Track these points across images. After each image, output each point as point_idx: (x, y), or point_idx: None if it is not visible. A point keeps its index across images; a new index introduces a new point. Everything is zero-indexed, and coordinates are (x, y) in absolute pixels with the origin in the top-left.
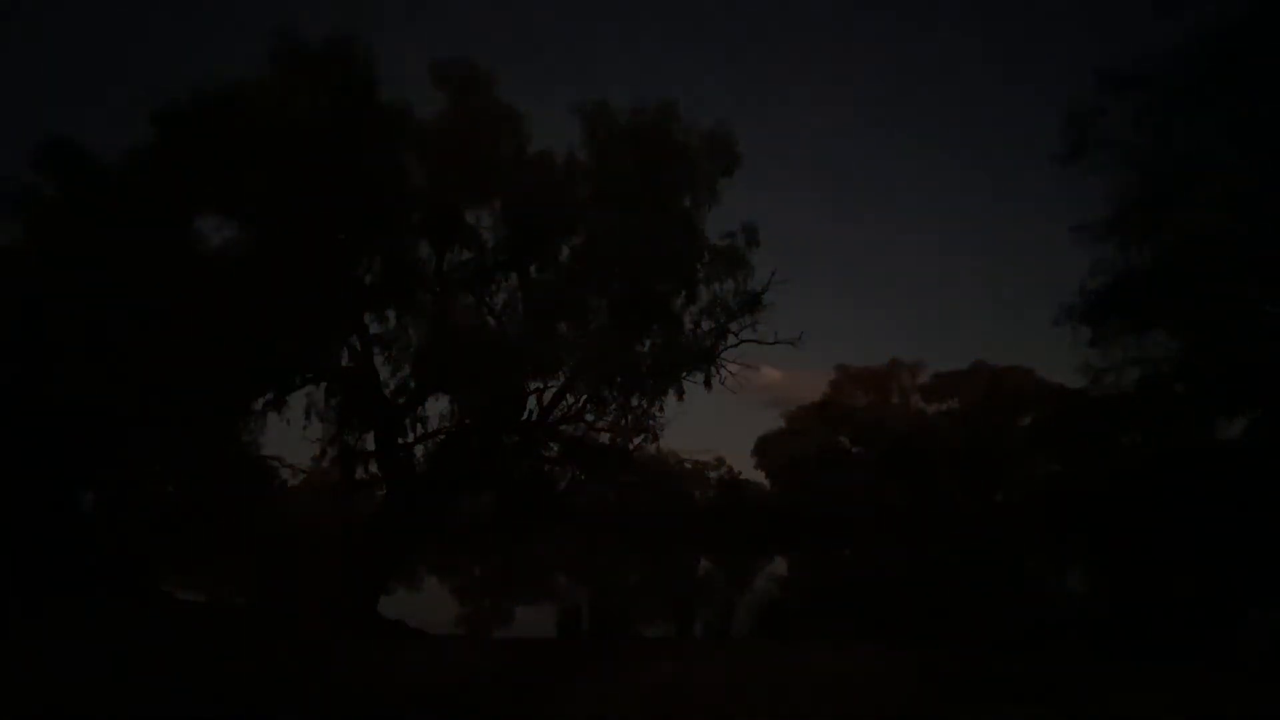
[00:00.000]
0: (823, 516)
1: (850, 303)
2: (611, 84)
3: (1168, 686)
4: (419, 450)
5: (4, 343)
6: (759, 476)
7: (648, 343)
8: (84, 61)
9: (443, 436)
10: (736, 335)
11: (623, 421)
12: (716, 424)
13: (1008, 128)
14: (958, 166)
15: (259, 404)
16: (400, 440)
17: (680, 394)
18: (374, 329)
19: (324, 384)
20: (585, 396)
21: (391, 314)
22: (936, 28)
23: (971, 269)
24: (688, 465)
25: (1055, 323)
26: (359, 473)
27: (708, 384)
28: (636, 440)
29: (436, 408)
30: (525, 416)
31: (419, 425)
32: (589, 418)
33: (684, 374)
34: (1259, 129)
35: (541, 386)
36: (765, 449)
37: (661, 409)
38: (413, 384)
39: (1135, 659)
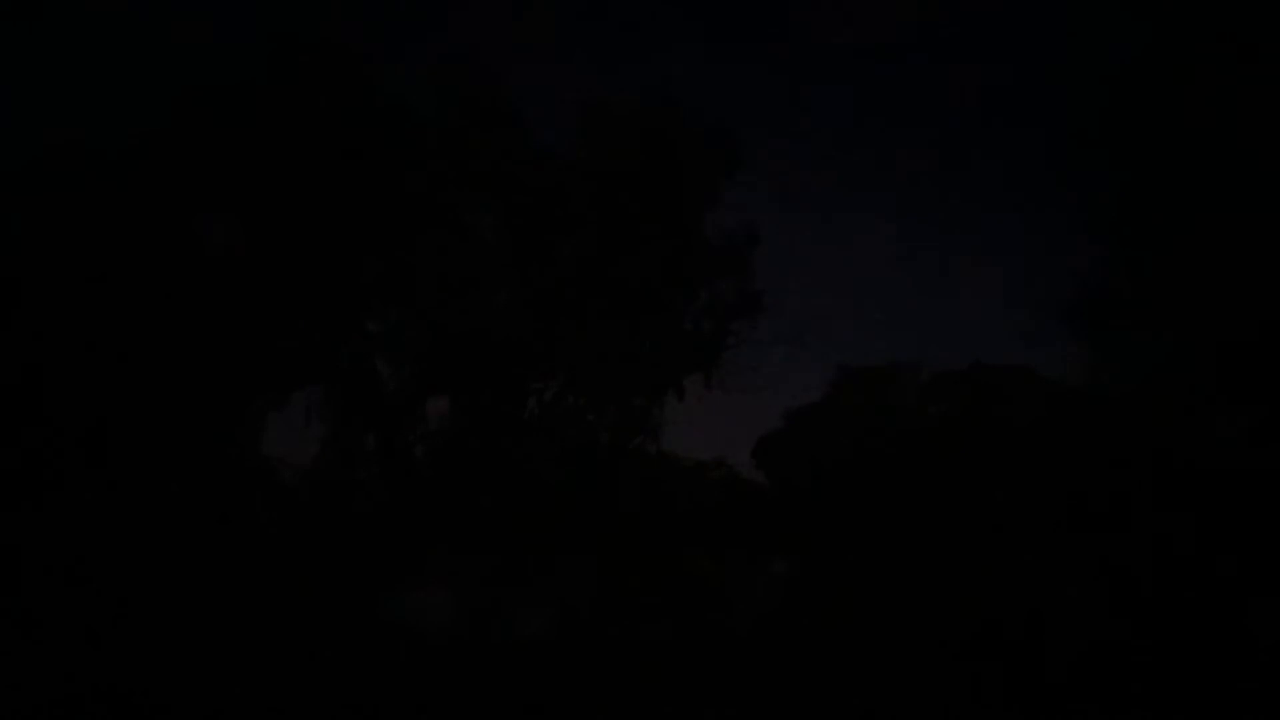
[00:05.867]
0: (823, 517)
1: (850, 303)
2: (612, 84)
3: None
4: (419, 450)
5: (2, 342)
6: (759, 476)
7: (648, 343)
8: (83, 59)
9: (443, 437)
10: (736, 335)
11: (623, 422)
12: (716, 424)
13: (1008, 125)
14: (957, 165)
15: (259, 404)
16: (400, 440)
17: (680, 394)
18: (374, 329)
19: (324, 384)
20: (585, 396)
21: (392, 314)
22: (936, 26)
23: (971, 269)
24: (688, 465)
25: (1055, 323)
26: (359, 473)
27: (708, 384)
28: (636, 440)
29: (436, 408)
30: (525, 416)
31: (419, 425)
32: (589, 418)
33: (684, 374)
34: (1258, 125)
35: (541, 386)
36: (765, 449)
37: (661, 409)
38: (413, 384)
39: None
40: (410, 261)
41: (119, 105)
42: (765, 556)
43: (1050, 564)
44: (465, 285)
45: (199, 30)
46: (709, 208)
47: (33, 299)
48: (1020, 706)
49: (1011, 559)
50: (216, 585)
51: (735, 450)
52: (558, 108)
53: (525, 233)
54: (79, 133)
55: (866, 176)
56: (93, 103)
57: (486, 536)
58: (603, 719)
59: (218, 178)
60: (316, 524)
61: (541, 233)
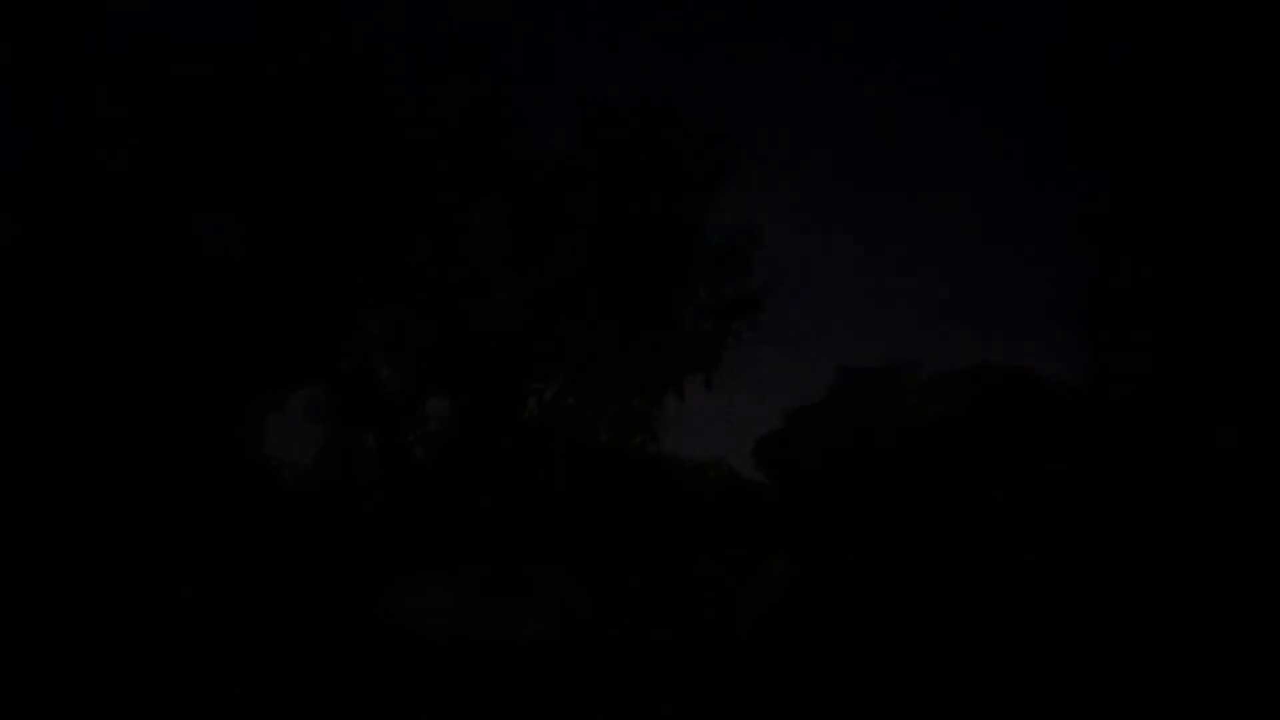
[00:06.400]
0: (823, 517)
1: (850, 303)
2: (612, 84)
3: None
4: (419, 450)
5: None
6: (759, 476)
7: (648, 343)
8: (82, 58)
9: (443, 437)
10: (736, 335)
11: (623, 422)
12: (716, 424)
13: (1009, 125)
14: (958, 165)
15: (259, 404)
16: (400, 440)
17: (680, 394)
18: (374, 329)
19: (324, 384)
20: (585, 396)
21: (392, 314)
22: (936, 25)
23: (972, 268)
24: (688, 465)
25: (1055, 323)
26: (359, 473)
27: (708, 384)
28: (636, 440)
29: (436, 408)
30: (525, 416)
31: (419, 425)
32: (589, 418)
33: (684, 374)
34: (1258, 124)
35: (541, 386)
36: (765, 449)
37: (661, 409)
38: (413, 384)
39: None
40: (410, 261)
41: (119, 105)
42: (765, 556)
43: (1051, 565)
44: (465, 285)
45: (200, 30)
46: (709, 208)
47: (32, 299)
48: (1020, 706)
49: (1011, 559)
50: (217, 585)
51: (735, 450)
52: (558, 108)
53: (525, 232)
54: (79, 133)
55: (866, 176)
56: (93, 103)
57: (487, 537)
58: (603, 719)
59: (218, 178)
60: (316, 524)
61: (541, 232)
